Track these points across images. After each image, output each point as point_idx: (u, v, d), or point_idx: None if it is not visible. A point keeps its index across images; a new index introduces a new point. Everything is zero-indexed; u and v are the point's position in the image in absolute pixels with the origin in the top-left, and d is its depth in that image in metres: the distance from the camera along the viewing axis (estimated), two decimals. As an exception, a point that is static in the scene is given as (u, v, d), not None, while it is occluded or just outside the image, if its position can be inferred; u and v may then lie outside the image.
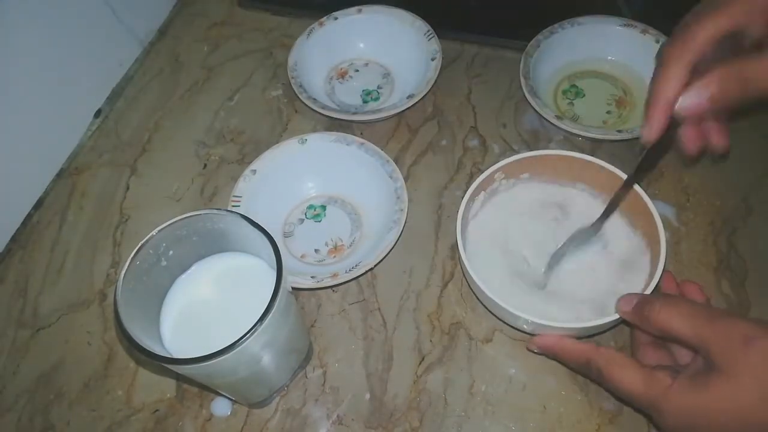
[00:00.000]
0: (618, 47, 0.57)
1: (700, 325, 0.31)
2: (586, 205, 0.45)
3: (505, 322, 0.43)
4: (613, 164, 0.42)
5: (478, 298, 0.43)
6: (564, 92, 0.57)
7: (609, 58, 0.58)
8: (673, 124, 0.34)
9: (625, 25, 0.55)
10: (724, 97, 0.31)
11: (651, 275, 0.39)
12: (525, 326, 0.39)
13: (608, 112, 0.55)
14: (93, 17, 0.58)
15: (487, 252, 0.44)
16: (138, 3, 0.64)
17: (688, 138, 0.36)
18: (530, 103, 0.52)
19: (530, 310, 0.37)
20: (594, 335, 0.41)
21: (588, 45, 0.57)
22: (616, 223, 0.44)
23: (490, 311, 0.43)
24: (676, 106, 0.32)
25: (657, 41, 0.54)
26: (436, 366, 0.43)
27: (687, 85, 0.32)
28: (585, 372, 0.37)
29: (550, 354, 0.39)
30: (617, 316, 0.36)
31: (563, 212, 0.46)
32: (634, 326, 0.37)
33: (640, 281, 0.40)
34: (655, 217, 0.40)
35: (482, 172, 0.43)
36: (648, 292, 0.37)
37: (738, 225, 0.47)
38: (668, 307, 0.32)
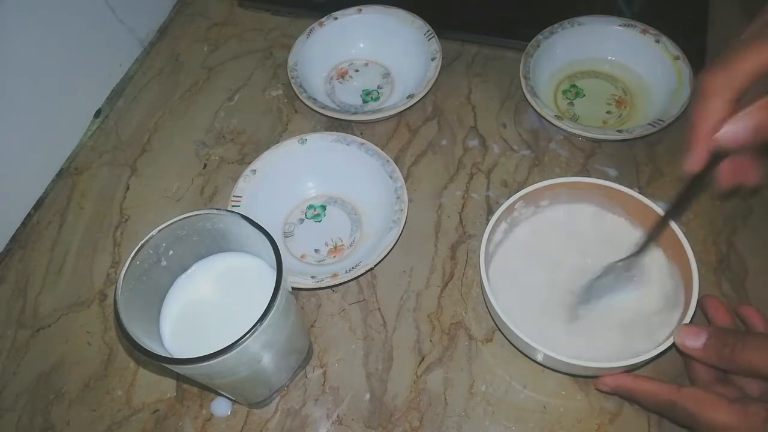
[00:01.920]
0: (618, 47, 0.57)
1: None
2: (614, 225, 0.45)
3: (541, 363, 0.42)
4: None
5: (503, 335, 0.43)
6: (564, 92, 0.57)
7: (609, 58, 0.57)
8: (714, 158, 0.33)
9: (625, 25, 0.55)
10: (764, 131, 0.30)
11: (686, 305, 0.38)
12: (565, 369, 0.39)
13: (608, 112, 0.55)
14: (93, 17, 0.58)
15: (513, 283, 0.43)
16: (138, 3, 0.64)
17: (724, 172, 0.35)
18: (530, 103, 0.52)
19: (557, 342, 0.37)
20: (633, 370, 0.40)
21: (588, 45, 0.57)
22: (651, 255, 0.43)
23: (514, 346, 0.42)
24: (719, 136, 0.31)
25: (657, 41, 0.54)
26: (436, 366, 0.43)
27: (729, 117, 0.31)
28: (665, 412, 0.37)
29: (623, 394, 0.39)
30: (662, 349, 0.36)
31: (587, 236, 0.45)
32: (697, 361, 0.36)
33: (676, 314, 0.39)
34: (687, 249, 0.39)
35: (501, 204, 0.43)
36: (685, 322, 0.37)
37: (738, 225, 0.47)
38: (753, 345, 0.33)
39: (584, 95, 0.56)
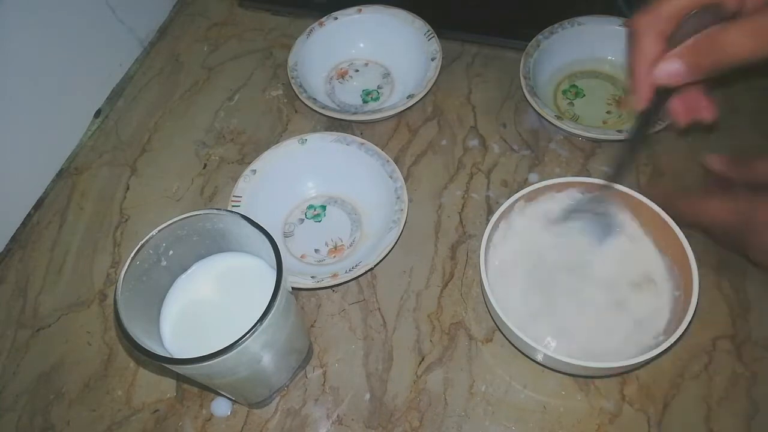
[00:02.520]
0: (618, 47, 0.56)
1: None
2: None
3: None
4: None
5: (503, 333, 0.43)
6: (564, 92, 0.57)
7: (609, 57, 0.58)
8: (661, 95, 0.34)
9: (625, 25, 0.55)
10: (699, 66, 0.31)
11: (686, 305, 0.38)
12: (565, 369, 0.39)
13: (608, 113, 0.55)
14: (93, 17, 0.58)
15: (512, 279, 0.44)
16: (138, 3, 0.64)
17: (676, 110, 0.37)
18: (530, 103, 0.52)
19: (557, 342, 0.37)
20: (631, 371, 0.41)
21: (588, 45, 0.57)
22: (651, 255, 0.43)
23: (512, 344, 0.43)
24: (655, 74, 0.33)
25: None
26: (436, 366, 0.43)
27: (662, 55, 0.33)
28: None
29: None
30: (662, 349, 0.36)
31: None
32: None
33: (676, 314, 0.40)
34: (687, 249, 0.39)
35: (501, 204, 0.43)
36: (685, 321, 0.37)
37: (738, 225, 0.47)
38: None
39: (584, 95, 0.56)
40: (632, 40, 0.35)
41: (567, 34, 0.56)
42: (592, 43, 0.57)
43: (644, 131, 0.39)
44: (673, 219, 0.40)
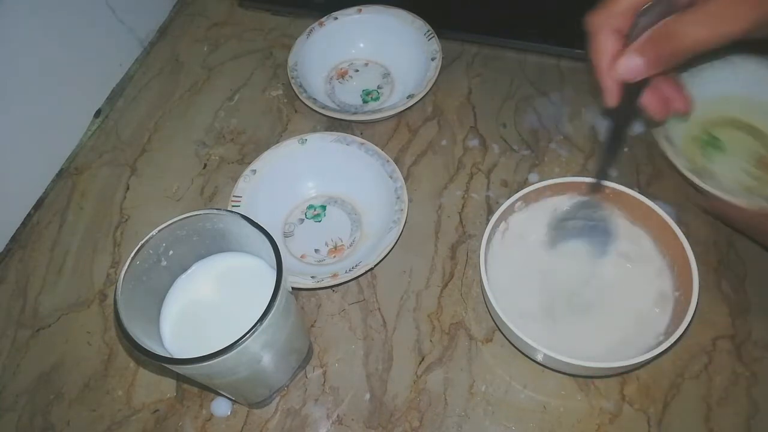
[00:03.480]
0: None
1: None
2: (614, 225, 0.45)
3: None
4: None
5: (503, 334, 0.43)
6: (703, 142, 0.47)
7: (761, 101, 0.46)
8: (630, 89, 0.34)
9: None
10: (658, 58, 0.31)
11: (686, 306, 0.38)
12: (565, 369, 0.39)
13: (751, 174, 0.46)
14: (93, 17, 0.58)
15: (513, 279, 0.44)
16: (138, 3, 0.64)
17: (651, 105, 0.36)
18: (664, 152, 0.44)
19: (557, 342, 0.37)
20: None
21: (736, 84, 0.46)
22: (651, 256, 0.43)
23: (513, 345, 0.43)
24: (617, 70, 0.33)
25: None
26: (436, 366, 0.43)
27: (620, 49, 0.33)
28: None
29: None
30: (662, 349, 0.36)
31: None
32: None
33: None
34: (687, 249, 0.39)
35: (501, 204, 0.43)
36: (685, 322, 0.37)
37: (738, 225, 0.47)
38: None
39: (725, 150, 0.46)
40: (590, 38, 0.35)
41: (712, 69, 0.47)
42: (743, 83, 0.46)
43: (621, 129, 0.38)
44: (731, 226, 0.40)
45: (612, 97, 0.35)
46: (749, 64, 0.47)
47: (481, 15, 0.62)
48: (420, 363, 0.43)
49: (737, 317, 0.43)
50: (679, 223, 0.41)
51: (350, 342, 0.45)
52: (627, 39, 0.33)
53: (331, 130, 0.54)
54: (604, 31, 0.34)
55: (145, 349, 0.30)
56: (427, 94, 0.55)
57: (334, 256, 0.49)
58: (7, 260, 0.52)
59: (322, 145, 0.51)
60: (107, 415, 0.43)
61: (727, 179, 0.46)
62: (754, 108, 0.47)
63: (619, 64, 0.32)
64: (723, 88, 0.47)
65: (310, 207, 0.52)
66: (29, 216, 0.54)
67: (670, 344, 0.36)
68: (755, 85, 0.47)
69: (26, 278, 0.50)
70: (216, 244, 0.38)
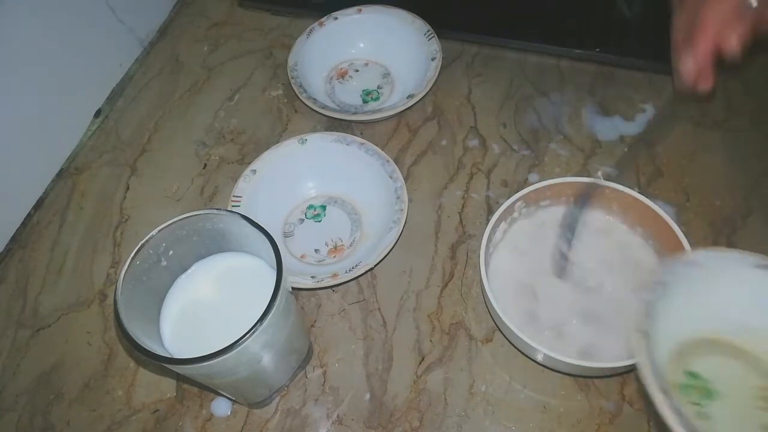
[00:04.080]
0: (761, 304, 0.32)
1: None
2: (614, 224, 0.45)
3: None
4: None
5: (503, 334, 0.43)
6: (683, 388, 0.33)
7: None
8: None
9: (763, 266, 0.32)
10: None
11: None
12: (565, 369, 0.39)
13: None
14: (93, 17, 0.58)
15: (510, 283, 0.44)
16: (138, 3, 0.64)
17: (688, 72, 0.37)
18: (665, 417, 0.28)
19: (557, 341, 0.37)
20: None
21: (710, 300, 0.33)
22: (656, 261, 0.43)
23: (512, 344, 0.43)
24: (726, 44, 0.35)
25: None
26: (436, 366, 0.43)
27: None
28: None
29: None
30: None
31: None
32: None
33: None
34: (687, 249, 0.39)
35: (501, 204, 0.43)
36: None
37: (738, 225, 0.47)
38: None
39: (717, 395, 0.32)
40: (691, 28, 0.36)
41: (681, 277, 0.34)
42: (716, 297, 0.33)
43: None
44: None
45: (708, 79, 0.36)
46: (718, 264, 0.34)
47: (481, 15, 0.63)
48: (420, 363, 0.43)
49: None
50: (679, 223, 0.41)
51: (350, 342, 0.45)
52: None
53: (331, 130, 0.54)
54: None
55: (145, 349, 0.30)
56: (427, 94, 0.55)
57: (334, 256, 0.49)
58: (7, 260, 0.52)
59: (322, 145, 0.51)
60: (107, 415, 0.43)
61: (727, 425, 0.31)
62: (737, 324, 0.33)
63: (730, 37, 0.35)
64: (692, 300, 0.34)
65: (310, 207, 0.52)
66: (29, 216, 0.54)
67: None
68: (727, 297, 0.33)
69: (26, 278, 0.50)
70: (216, 244, 0.38)
